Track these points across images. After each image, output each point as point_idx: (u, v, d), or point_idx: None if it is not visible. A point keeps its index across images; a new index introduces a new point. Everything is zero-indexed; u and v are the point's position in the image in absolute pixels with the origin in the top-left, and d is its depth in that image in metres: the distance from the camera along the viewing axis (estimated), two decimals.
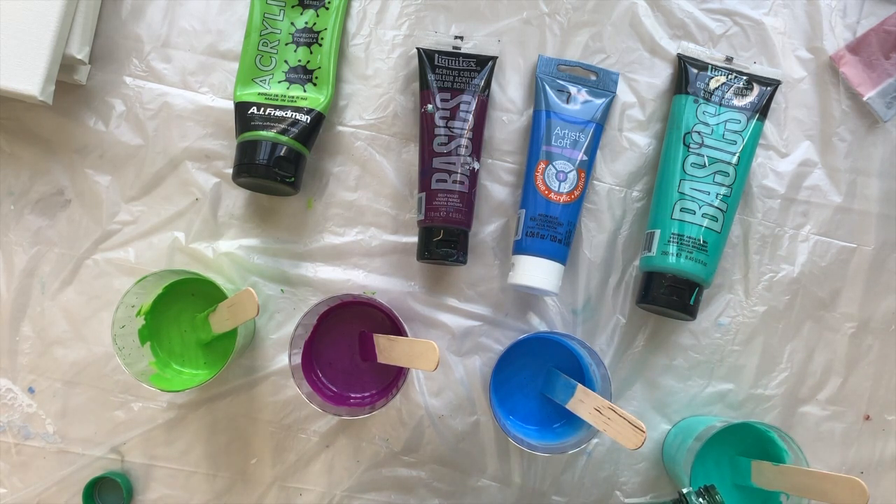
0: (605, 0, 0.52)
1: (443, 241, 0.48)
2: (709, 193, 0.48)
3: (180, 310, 0.50)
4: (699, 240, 0.48)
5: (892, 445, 0.52)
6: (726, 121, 0.49)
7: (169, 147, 0.51)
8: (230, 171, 0.51)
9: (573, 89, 0.50)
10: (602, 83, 0.51)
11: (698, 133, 0.49)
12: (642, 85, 0.52)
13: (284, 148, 0.47)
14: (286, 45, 0.50)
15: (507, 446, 0.52)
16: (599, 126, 0.50)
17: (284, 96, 0.49)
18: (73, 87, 0.51)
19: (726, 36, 0.53)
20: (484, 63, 0.50)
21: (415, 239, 0.51)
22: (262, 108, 0.48)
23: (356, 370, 0.50)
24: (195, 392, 0.51)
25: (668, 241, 0.48)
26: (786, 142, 0.53)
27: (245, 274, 0.51)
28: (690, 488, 0.41)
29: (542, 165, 0.49)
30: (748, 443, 0.48)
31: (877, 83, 0.52)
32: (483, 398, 0.51)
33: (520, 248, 0.49)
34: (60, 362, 0.51)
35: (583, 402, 0.44)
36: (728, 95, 0.50)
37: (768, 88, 0.50)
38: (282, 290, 0.51)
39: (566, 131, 0.49)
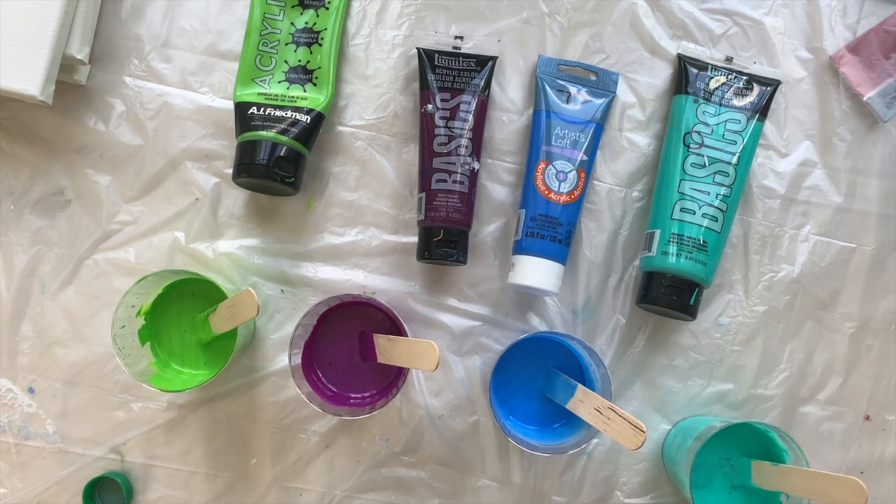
0: (605, 0, 0.52)
1: (443, 241, 0.48)
2: (709, 193, 0.48)
3: (180, 310, 0.50)
4: (699, 240, 0.48)
5: (892, 445, 0.52)
6: (726, 121, 0.49)
7: (169, 147, 0.51)
8: (230, 171, 0.51)
9: (573, 89, 0.50)
10: (602, 83, 0.51)
11: (698, 133, 0.49)
12: (642, 85, 0.52)
13: (284, 148, 0.47)
14: (286, 45, 0.50)
15: (507, 446, 0.52)
16: (599, 126, 0.50)
17: (284, 96, 0.49)
18: (73, 87, 0.51)
19: (726, 36, 0.53)
20: (484, 63, 0.50)
21: (415, 239, 0.51)
22: (262, 108, 0.48)
23: (356, 370, 0.50)
24: (195, 392, 0.51)
25: (668, 241, 0.48)
26: (786, 142, 0.53)
27: (245, 274, 0.51)
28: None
29: (542, 165, 0.49)
30: (748, 443, 0.48)
31: (877, 83, 0.52)
32: (483, 398, 0.51)
33: (520, 248, 0.49)
34: (60, 362, 0.51)
35: (583, 402, 0.44)
36: (728, 95, 0.50)
37: (768, 88, 0.50)
38: (282, 290, 0.51)
39: (566, 131, 0.49)
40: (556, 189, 0.48)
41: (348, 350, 0.50)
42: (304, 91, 0.49)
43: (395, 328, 0.48)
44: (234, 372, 0.51)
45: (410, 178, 0.52)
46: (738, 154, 0.49)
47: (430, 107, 0.49)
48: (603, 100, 0.50)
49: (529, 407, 0.51)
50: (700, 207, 0.48)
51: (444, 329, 0.51)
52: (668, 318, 0.52)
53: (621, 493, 0.52)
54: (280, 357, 0.51)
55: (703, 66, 0.51)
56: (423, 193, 0.49)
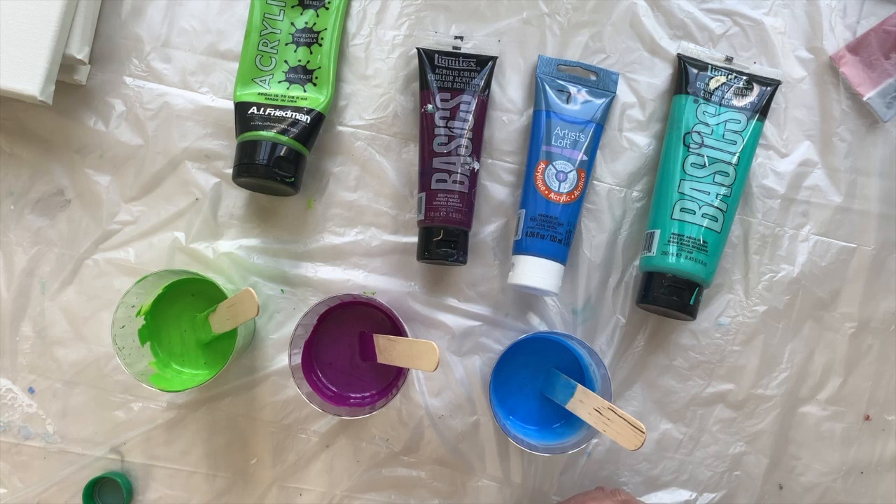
0: (605, 0, 0.52)
1: (443, 241, 0.48)
2: (709, 193, 0.48)
3: (180, 310, 0.50)
4: (699, 240, 0.48)
5: (892, 445, 0.52)
6: (726, 121, 0.49)
7: (169, 147, 0.51)
8: (230, 171, 0.51)
9: (573, 89, 0.50)
10: (602, 83, 0.51)
11: (698, 133, 0.49)
12: (642, 85, 0.52)
13: (284, 148, 0.47)
14: (286, 45, 0.50)
15: (507, 446, 0.52)
16: (599, 126, 0.50)
17: (284, 96, 0.49)
18: (73, 87, 0.51)
19: (726, 36, 0.53)
20: (484, 63, 0.50)
21: (415, 239, 0.51)
22: (262, 108, 0.48)
23: (356, 370, 0.50)
24: (195, 392, 0.51)
25: (668, 241, 0.48)
26: (786, 142, 0.53)
27: (245, 274, 0.51)
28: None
29: (542, 165, 0.49)
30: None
31: (877, 83, 0.52)
32: (483, 398, 0.51)
33: (520, 248, 0.48)
34: (60, 362, 0.51)
35: (582, 403, 0.44)
36: (728, 95, 0.50)
37: (768, 88, 0.50)
38: (282, 290, 0.51)
39: (566, 131, 0.49)
40: (556, 189, 0.48)
41: (348, 350, 0.50)
42: (304, 91, 0.49)
43: (395, 328, 0.48)
44: (234, 372, 0.51)
45: (410, 178, 0.52)
46: (738, 154, 0.49)
47: (430, 107, 0.49)
48: (603, 100, 0.50)
49: (529, 407, 0.51)
50: (700, 207, 0.48)
51: (444, 329, 0.51)
52: (668, 318, 0.52)
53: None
54: (280, 357, 0.51)
55: (703, 66, 0.51)
56: (423, 193, 0.49)
